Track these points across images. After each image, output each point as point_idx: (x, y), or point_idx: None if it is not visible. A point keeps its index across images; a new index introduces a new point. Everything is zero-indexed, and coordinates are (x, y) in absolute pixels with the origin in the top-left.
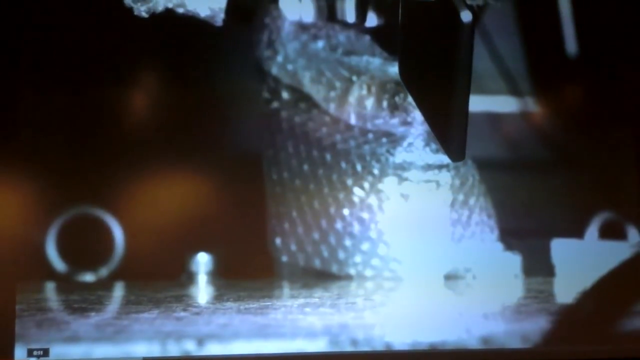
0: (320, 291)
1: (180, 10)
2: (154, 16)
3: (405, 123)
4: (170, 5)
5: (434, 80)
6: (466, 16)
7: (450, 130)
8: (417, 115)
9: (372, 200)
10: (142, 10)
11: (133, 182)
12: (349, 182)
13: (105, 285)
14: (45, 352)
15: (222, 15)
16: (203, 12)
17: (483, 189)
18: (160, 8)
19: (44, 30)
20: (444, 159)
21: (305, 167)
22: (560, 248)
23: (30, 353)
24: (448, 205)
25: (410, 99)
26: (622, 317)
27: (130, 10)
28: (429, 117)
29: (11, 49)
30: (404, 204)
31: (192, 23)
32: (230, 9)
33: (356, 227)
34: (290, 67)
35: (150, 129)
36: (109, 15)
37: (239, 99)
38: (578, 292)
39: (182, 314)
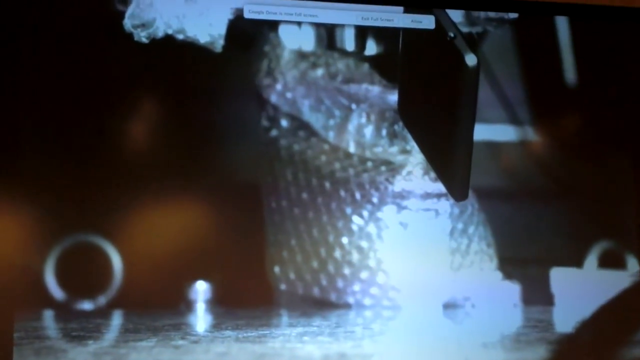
0: (319, 320)
1: (180, 36)
2: (155, 42)
3: (404, 151)
4: (170, 32)
5: (436, 120)
6: (471, 60)
7: (453, 171)
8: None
9: (371, 228)
10: (142, 36)
11: (132, 210)
12: (348, 210)
13: (103, 313)
14: None
15: (221, 42)
16: (203, 39)
17: (482, 217)
18: (160, 34)
19: (41, 56)
20: (443, 187)
21: (304, 195)
22: (560, 277)
23: None
24: (447, 234)
25: None
26: (622, 346)
27: (130, 35)
28: (430, 157)
29: (9, 76)
30: (403, 233)
31: (191, 49)
32: (230, 36)
33: (355, 256)
34: (289, 95)
35: (148, 156)
36: (109, 40)
37: (237, 126)
38: (577, 321)
39: (181, 342)
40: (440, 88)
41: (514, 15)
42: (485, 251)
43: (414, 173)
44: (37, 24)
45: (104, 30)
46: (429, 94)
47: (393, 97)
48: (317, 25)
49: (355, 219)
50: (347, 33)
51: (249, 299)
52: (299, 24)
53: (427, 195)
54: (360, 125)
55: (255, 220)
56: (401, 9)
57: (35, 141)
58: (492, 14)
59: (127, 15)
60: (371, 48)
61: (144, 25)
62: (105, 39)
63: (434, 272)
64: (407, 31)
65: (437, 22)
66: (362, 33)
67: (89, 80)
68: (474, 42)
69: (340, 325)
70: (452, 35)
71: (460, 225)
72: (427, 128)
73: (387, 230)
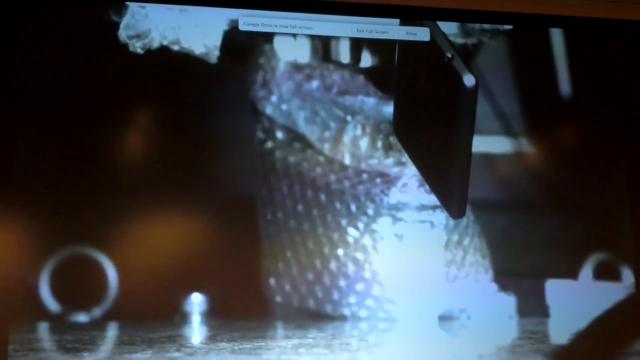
0: (315, 331)
1: (176, 47)
2: (150, 53)
3: (400, 163)
4: (165, 43)
5: (432, 139)
6: (469, 80)
7: (450, 189)
8: None
9: (367, 240)
10: (137, 47)
11: (127, 222)
12: (344, 222)
13: (98, 325)
14: None
15: (216, 53)
16: (198, 50)
17: (477, 229)
18: (155, 45)
19: (36, 67)
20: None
21: (300, 207)
22: (555, 289)
23: None
24: (442, 246)
25: None
26: (617, 358)
27: (125, 46)
28: (426, 175)
29: (4, 87)
30: (398, 244)
31: (187, 60)
32: (225, 48)
33: (350, 268)
34: (284, 107)
35: (143, 168)
36: (104, 51)
37: (232, 138)
38: (572, 333)
39: (176, 354)
40: (437, 108)
41: (508, 27)
42: (480, 263)
43: (409, 185)
44: (31, 35)
45: (98, 41)
46: (426, 113)
47: (388, 109)
48: (312, 37)
49: (351, 230)
50: (342, 45)
51: (244, 310)
52: (294, 35)
53: (422, 207)
54: (356, 137)
55: (251, 232)
56: (397, 21)
57: (30, 153)
58: (486, 26)
59: (122, 25)
60: (366, 60)
61: (139, 36)
62: (100, 49)
63: (430, 283)
64: (403, 47)
65: (432, 36)
66: (358, 45)
67: (83, 91)
68: (469, 56)
69: (335, 337)
70: (449, 56)
71: (455, 237)
72: (423, 147)
73: (382, 242)
